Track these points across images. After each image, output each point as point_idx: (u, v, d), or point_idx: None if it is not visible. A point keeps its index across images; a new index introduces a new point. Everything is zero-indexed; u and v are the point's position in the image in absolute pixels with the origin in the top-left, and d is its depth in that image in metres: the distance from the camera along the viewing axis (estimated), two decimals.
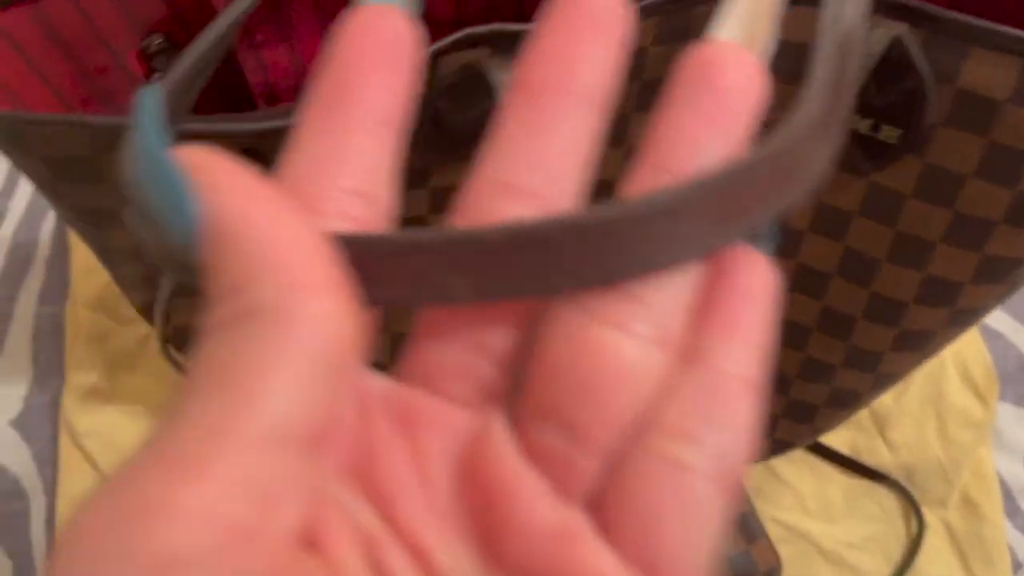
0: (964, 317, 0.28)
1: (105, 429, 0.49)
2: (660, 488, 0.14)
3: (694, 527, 0.14)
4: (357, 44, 0.15)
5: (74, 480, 0.49)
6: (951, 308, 0.27)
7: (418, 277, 0.14)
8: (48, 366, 0.50)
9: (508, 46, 0.24)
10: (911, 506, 0.50)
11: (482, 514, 0.15)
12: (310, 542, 0.14)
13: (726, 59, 0.14)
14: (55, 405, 0.50)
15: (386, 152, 0.15)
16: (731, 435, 0.14)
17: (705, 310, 0.15)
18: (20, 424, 0.49)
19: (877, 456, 0.51)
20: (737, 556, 0.47)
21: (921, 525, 0.49)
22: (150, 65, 0.32)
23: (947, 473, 0.50)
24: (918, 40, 0.23)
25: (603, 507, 0.14)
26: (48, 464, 0.49)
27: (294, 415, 0.12)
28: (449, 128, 0.25)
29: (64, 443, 0.49)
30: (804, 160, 0.14)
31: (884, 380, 0.34)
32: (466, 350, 0.15)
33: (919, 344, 0.30)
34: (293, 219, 0.13)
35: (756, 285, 0.15)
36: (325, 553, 0.14)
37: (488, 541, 0.15)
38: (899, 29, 0.23)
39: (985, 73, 0.22)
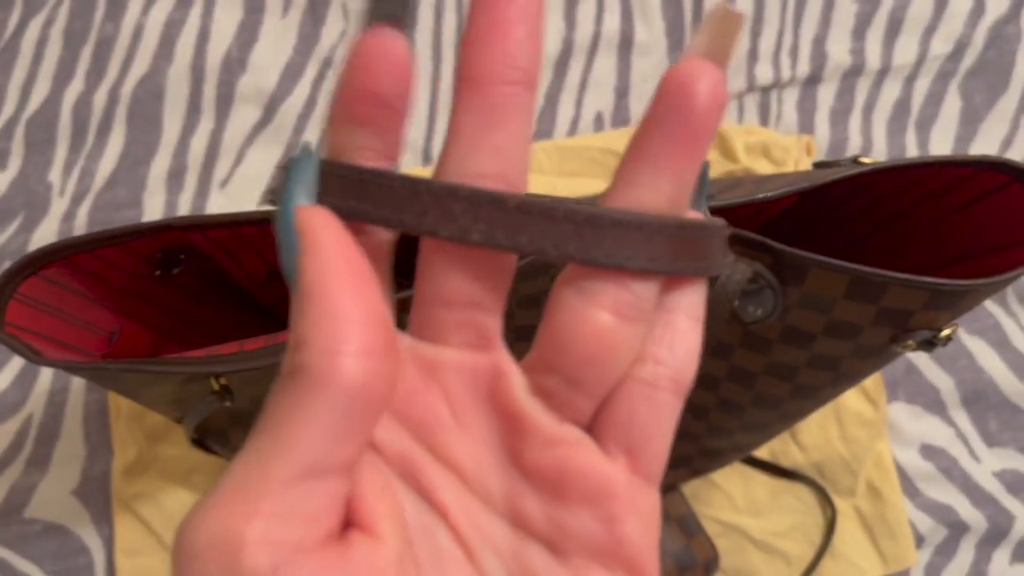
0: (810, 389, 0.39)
1: (148, 491, 0.53)
2: (637, 399, 0.17)
3: (661, 425, 0.17)
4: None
5: (126, 535, 0.53)
6: (792, 384, 0.39)
7: (448, 216, 0.15)
8: (98, 443, 0.54)
9: None
10: (824, 497, 0.54)
11: (502, 431, 0.17)
12: (350, 519, 0.15)
13: (696, 75, 0.15)
14: (107, 475, 0.54)
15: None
16: (683, 355, 0.17)
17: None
18: (80, 493, 0.54)
19: (792, 458, 0.55)
20: (679, 550, 0.51)
21: (834, 513, 0.54)
22: (155, 266, 0.37)
23: (851, 467, 0.54)
24: (768, 263, 0.32)
25: (593, 424, 0.17)
26: (105, 524, 0.53)
27: (322, 455, 0.14)
28: None
29: (116, 506, 0.53)
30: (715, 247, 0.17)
31: (786, 418, 0.43)
32: (464, 309, 0.17)
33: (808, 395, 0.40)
34: (355, 288, 0.15)
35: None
36: (361, 520, 0.16)
37: (509, 451, 0.17)
38: (756, 265, 0.31)
39: (822, 280, 0.32)
